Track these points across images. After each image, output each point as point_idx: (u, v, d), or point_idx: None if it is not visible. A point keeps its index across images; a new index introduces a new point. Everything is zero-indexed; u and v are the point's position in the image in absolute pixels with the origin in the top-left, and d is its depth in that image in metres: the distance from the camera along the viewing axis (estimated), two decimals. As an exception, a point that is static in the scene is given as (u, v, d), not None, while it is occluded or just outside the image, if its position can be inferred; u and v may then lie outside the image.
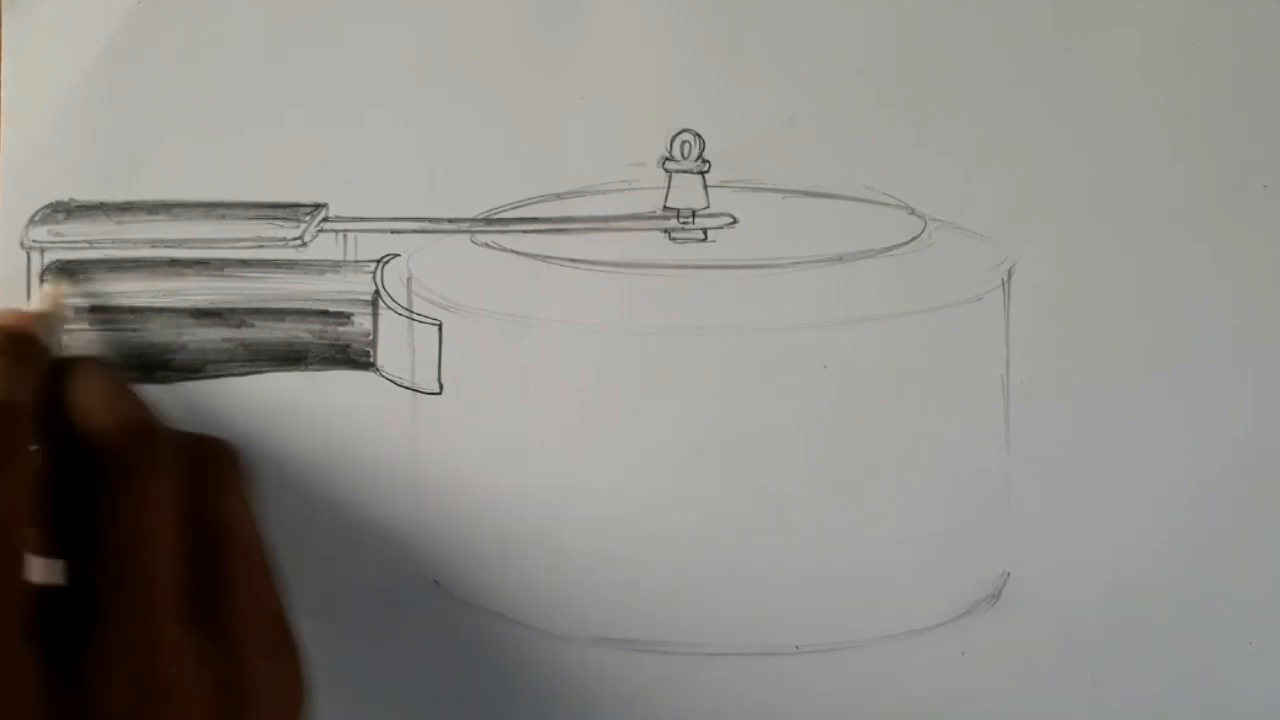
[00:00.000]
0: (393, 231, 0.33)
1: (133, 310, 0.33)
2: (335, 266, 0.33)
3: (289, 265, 0.33)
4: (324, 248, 0.33)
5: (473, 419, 0.33)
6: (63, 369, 0.29)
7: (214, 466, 0.29)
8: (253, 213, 0.33)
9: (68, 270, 0.33)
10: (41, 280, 0.33)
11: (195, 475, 0.28)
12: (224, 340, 0.33)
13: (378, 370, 0.33)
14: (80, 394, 0.28)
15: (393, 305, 0.33)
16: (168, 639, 0.26)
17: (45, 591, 0.26)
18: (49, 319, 0.31)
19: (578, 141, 0.34)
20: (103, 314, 0.33)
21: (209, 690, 0.27)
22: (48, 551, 0.27)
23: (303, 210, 0.33)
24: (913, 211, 0.33)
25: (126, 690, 0.25)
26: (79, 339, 0.33)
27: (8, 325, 0.29)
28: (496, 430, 0.33)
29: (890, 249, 0.33)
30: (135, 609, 0.26)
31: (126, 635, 0.26)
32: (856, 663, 0.33)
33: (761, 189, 0.34)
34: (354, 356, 0.33)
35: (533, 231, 0.33)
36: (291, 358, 0.33)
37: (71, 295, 0.33)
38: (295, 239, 0.33)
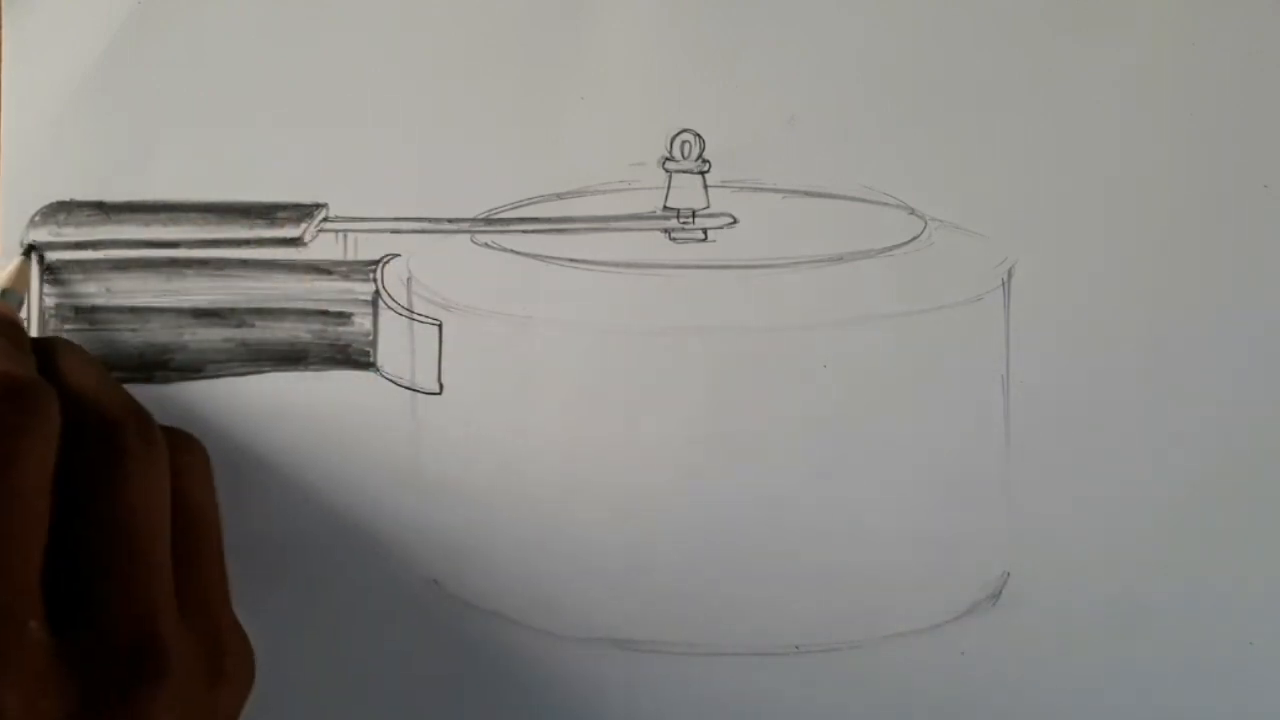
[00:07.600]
0: (393, 231, 0.33)
1: (133, 310, 0.33)
2: (335, 266, 0.33)
3: (289, 265, 0.33)
4: (324, 248, 0.33)
5: (473, 419, 0.33)
6: (44, 349, 0.29)
7: (186, 453, 0.30)
8: (253, 213, 0.33)
9: (41, 254, 0.33)
10: (30, 252, 0.33)
11: (173, 459, 0.29)
12: (224, 340, 0.33)
13: (378, 370, 0.33)
14: (77, 376, 0.28)
15: (393, 305, 0.33)
16: (168, 616, 0.26)
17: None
18: (13, 294, 0.32)
19: (578, 141, 0.34)
20: (103, 314, 0.33)
21: (199, 665, 0.27)
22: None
23: (303, 210, 0.33)
24: (913, 211, 0.33)
25: (130, 667, 0.25)
26: (80, 339, 0.33)
27: None
28: (496, 430, 0.33)
29: (890, 249, 0.33)
30: (139, 587, 0.26)
31: (131, 612, 0.26)
32: (856, 663, 0.33)
33: (761, 189, 0.34)
34: (354, 356, 0.33)
35: (533, 231, 0.33)
36: (291, 358, 0.33)
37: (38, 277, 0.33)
38: (295, 239, 0.33)
